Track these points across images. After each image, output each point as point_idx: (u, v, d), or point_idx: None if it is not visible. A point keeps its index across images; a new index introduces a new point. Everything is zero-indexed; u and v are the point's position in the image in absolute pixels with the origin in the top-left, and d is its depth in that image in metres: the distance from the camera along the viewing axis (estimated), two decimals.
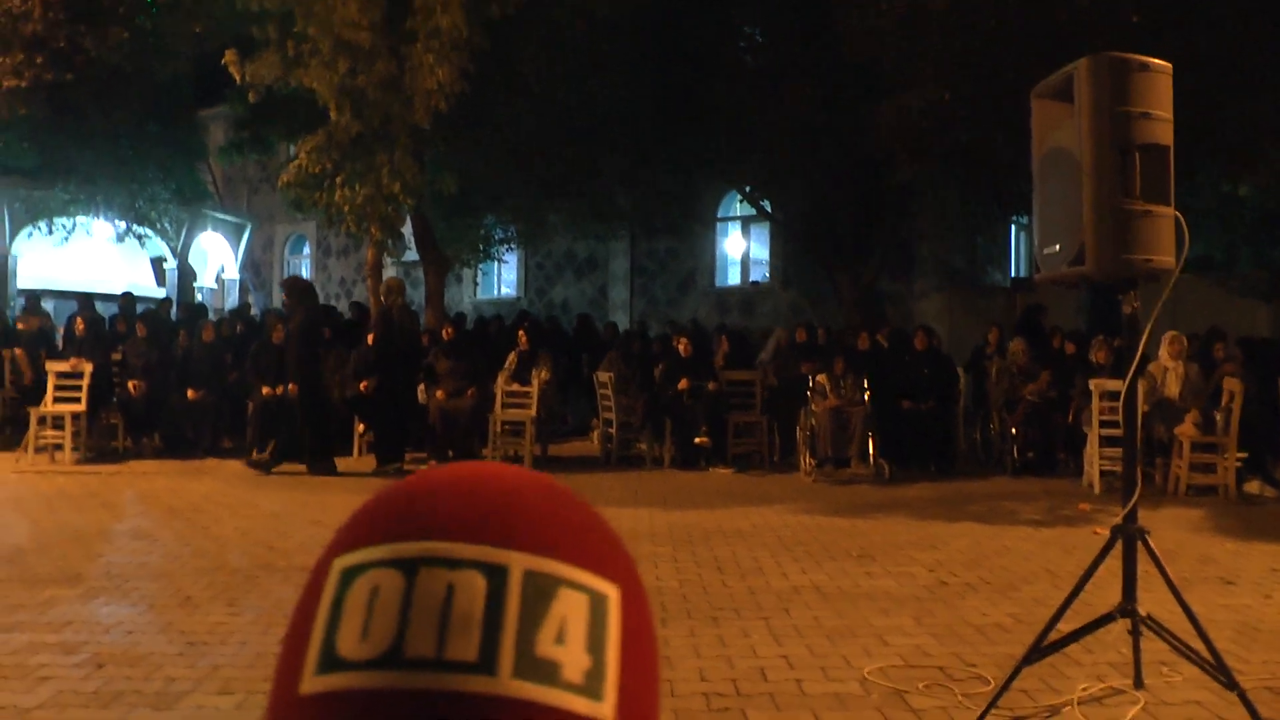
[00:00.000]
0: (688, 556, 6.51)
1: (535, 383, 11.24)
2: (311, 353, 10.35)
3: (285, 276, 24.30)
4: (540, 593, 0.47)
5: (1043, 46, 9.55)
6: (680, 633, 4.79)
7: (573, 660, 0.46)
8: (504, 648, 0.45)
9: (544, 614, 0.46)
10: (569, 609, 0.47)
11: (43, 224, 19.10)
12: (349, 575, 0.48)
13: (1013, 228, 19.50)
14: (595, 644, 0.47)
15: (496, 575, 0.47)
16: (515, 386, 11.40)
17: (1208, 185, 13.57)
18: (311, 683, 0.46)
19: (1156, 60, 3.38)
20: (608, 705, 0.47)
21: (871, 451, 10.33)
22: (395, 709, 0.44)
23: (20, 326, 13.38)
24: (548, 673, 0.45)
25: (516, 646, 0.45)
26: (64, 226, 18.72)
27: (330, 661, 0.46)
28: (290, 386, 10.53)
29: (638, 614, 0.51)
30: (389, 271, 18.34)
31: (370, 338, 11.41)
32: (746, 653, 4.51)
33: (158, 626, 4.79)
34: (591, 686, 0.46)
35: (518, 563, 0.47)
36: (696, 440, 11.05)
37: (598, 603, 0.48)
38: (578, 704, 0.46)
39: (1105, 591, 4.01)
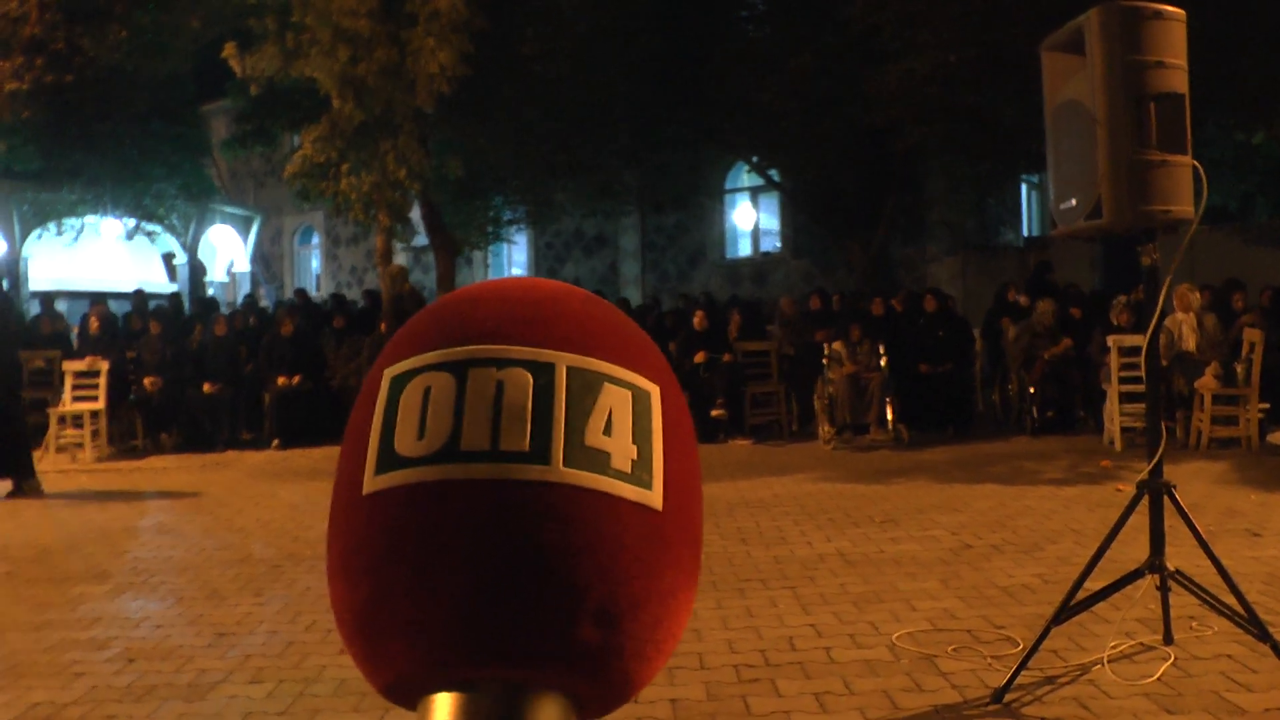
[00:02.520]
0: (711, 529, 6.51)
1: None
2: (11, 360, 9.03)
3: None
4: (586, 387, 0.48)
5: (1046, 5, 9.45)
6: (707, 605, 4.79)
7: (620, 450, 0.48)
8: (555, 438, 0.46)
9: (591, 407, 0.48)
10: (614, 403, 0.49)
11: (52, 225, 19.17)
12: (400, 381, 0.50)
13: (1024, 187, 19.37)
14: (641, 436, 0.49)
15: (543, 372, 0.48)
16: None
17: (1221, 135, 13.44)
18: (373, 482, 0.48)
19: (1169, 7, 3.33)
20: (655, 493, 0.48)
21: (890, 417, 10.31)
22: (455, 498, 0.46)
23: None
24: (598, 461, 0.47)
25: (566, 437, 0.47)
26: (73, 227, 18.79)
27: (390, 460, 0.48)
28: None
29: (678, 411, 0.53)
30: (399, 258, 18.37)
31: (383, 325, 11.42)
32: (774, 622, 4.51)
33: (186, 619, 4.81)
34: (639, 475, 0.48)
35: (562, 361, 0.49)
36: (714, 413, 11.04)
37: (640, 398, 0.49)
38: (627, 490, 0.47)
39: (1131, 548, 3.98)
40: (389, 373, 0.50)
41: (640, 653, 0.47)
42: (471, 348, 0.48)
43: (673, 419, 0.51)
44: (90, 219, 17.94)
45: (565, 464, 0.45)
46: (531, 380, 0.47)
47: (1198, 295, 9.80)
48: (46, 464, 10.41)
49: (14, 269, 19.49)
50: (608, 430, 0.47)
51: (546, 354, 0.48)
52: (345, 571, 0.48)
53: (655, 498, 0.47)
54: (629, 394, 0.49)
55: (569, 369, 0.48)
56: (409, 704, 0.48)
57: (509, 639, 0.44)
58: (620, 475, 0.47)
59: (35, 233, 19.40)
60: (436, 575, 0.45)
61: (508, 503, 0.45)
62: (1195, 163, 3.37)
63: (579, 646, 0.45)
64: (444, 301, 0.52)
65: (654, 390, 0.50)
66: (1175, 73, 3.34)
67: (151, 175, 17.97)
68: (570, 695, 0.47)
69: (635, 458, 0.47)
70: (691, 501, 0.50)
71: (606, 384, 0.48)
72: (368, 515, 0.47)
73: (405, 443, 0.47)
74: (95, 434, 10.91)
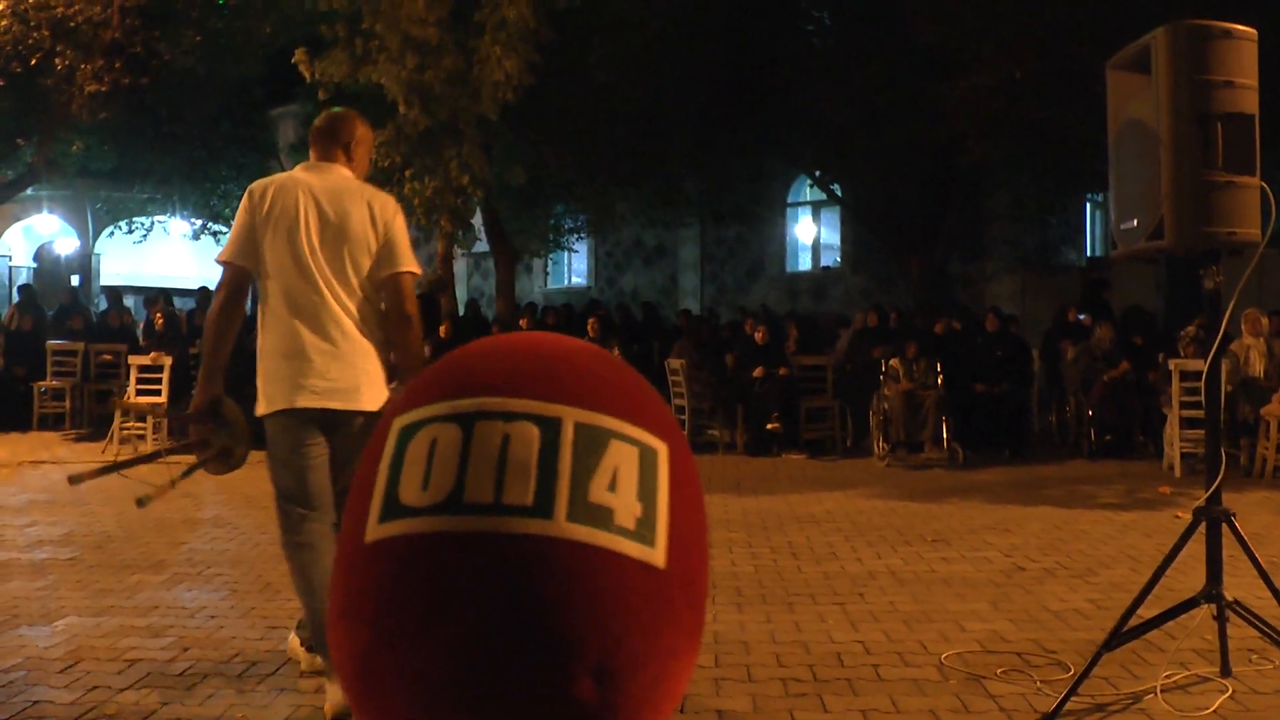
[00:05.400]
0: (762, 542, 6.49)
1: None
2: None
3: None
4: (592, 443, 0.48)
5: (1117, 19, 9.33)
6: (756, 618, 4.78)
7: (625, 507, 0.47)
8: (559, 493, 0.46)
9: (596, 463, 0.48)
10: (620, 460, 0.48)
11: (123, 223, 19.65)
12: (408, 431, 0.50)
13: (1087, 206, 19.09)
14: (646, 493, 0.49)
15: (550, 427, 0.48)
16: None
17: None
18: (377, 530, 0.48)
19: (1240, 26, 3.28)
20: (659, 551, 0.48)
21: (945, 435, 10.21)
22: (456, 550, 0.46)
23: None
24: (601, 517, 0.47)
25: (571, 492, 0.47)
26: (142, 225, 19.23)
27: (393, 509, 0.48)
28: None
29: (685, 470, 0.52)
30: (459, 264, 18.53)
31: (443, 329, 11.55)
32: (823, 638, 4.48)
33: (239, 611, 4.90)
34: (643, 533, 0.48)
35: (570, 416, 0.49)
36: (769, 426, 11.00)
37: (648, 455, 0.49)
38: (630, 547, 0.47)
39: (1188, 576, 3.91)
40: (398, 423, 0.49)
41: (637, 711, 0.46)
42: (480, 400, 0.48)
43: (680, 477, 0.50)
44: (160, 218, 18.34)
45: (568, 519, 0.45)
46: (538, 434, 0.47)
47: (1266, 320, 9.59)
48: (109, 456, 10.64)
49: (86, 265, 20.01)
50: (612, 487, 0.47)
51: (554, 409, 0.47)
52: (347, 617, 0.47)
53: (658, 556, 0.47)
54: (636, 451, 0.48)
55: (576, 424, 0.47)
56: None
57: (507, 692, 0.44)
58: (623, 532, 0.46)
59: (107, 230, 19.91)
60: (437, 626, 0.44)
61: (509, 556, 0.44)
62: (1263, 184, 3.31)
63: (576, 702, 0.44)
64: (455, 355, 0.52)
65: (662, 448, 0.50)
66: (1245, 93, 3.28)
67: (219, 176, 18.34)
68: None
69: (639, 515, 0.47)
70: (696, 561, 0.49)
71: (613, 440, 0.48)
72: (371, 563, 0.47)
73: (410, 492, 0.46)
74: (157, 427, 11.13)
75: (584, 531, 0.41)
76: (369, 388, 3.58)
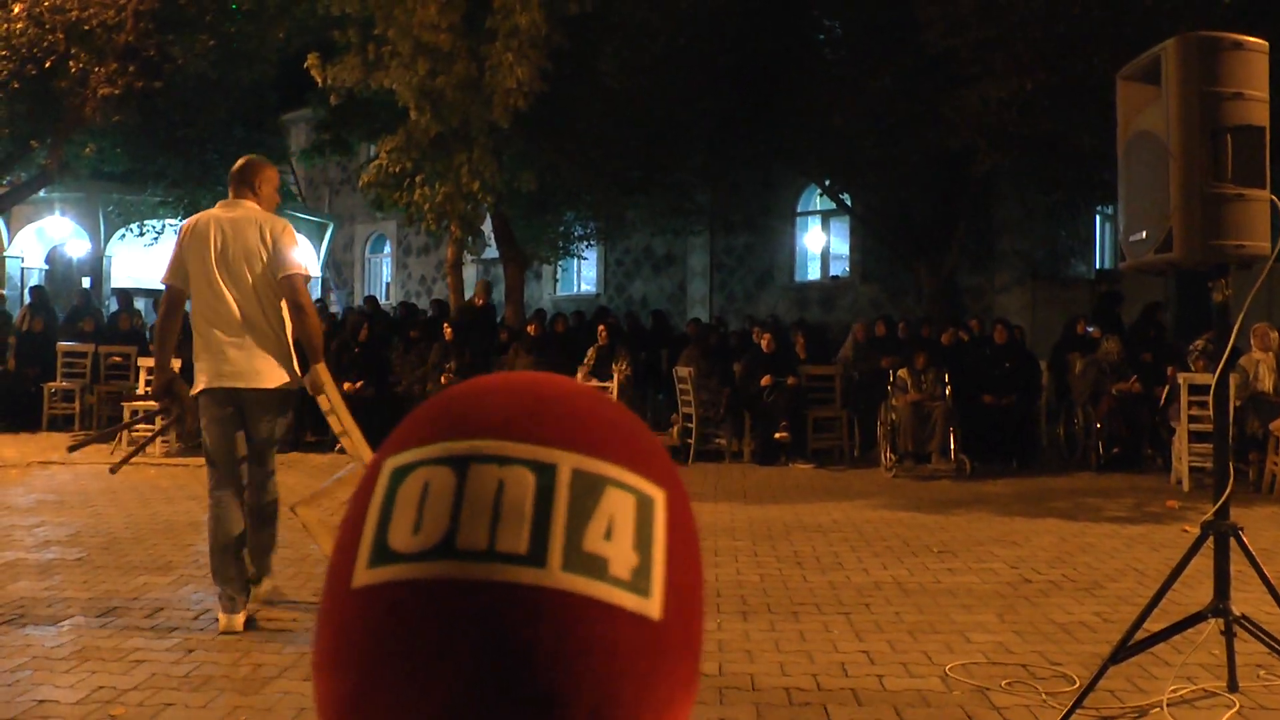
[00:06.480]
0: (768, 551, 6.48)
1: (615, 378, 11.30)
2: None
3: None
4: (588, 490, 0.47)
5: (1127, 32, 9.33)
6: (761, 627, 4.77)
7: (620, 557, 0.46)
8: (553, 541, 0.45)
9: (592, 511, 0.46)
10: (617, 508, 0.47)
11: (134, 226, 19.71)
12: (400, 473, 0.48)
13: (1097, 218, 19.05)
14: (643, 543, 0.47)
15: (545, 473, 0.47)
16: (594, 382, 11.47)
17: None
18: (365, 575, 0.47)
19: (1251, 38, 3.27)
20: (655, 603, 0.47)
21: (952, 446, 10.18)
22: (446, 598, 0.44)
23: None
24: (596, 567, 0.45)
25: (565, 541, 0.45)
26: (154, 228, 19.29)
27: (382, 554, 0.47)
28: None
29: (683, 519, 0.51)
30: (468, 270, 18.58)
31: (449, 331, 11.58)
32: (828, 648, 4.48)
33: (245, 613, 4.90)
34: (639, 584, 0.46)
35: (566, 461, 0.47)
36: (776, 435, 10.99)
37: (645, 504, 0.48)
38: (625, 599, 0.46)
39: (1196, 591, 3.90)
40: (389, 464, 0.48)
41: None
42: (475, 443, 0.47)
43: (677, 526, 0.49)
44: (171, 221, 18.40)
45: (563, 568, 0.44)
46: (534, 480, 0.46)
47: (1276, 335, 9.55)
48: (118, 457, 10.68)
49: (97, 267, 20.08)
50: (608, 535, 0.46)
51: (551, 454, 0.46)
52: (332, 665, 0.46)
53: (654, 607, 0.46)
54: (633, 499, 0.47)
55: (573, 471, 0.46)
56: None
57: None
58: (618, 583, 0.45)
59: (119, 233, 19.98)
60: (424, 676, 0.43)
61: (501, 605, 0.43)
62: (1273, 197, 3.30)
63: None
64: (449, 393, 0.51)
65: (659, 496, 0.49)
66: (1255, 105, 3.28)
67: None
68: None
69: (635, 565, 0.46)
70: (692, 612, 0.49)
71: (609, 487, 0.47)
72: (358, 609, 0.46)
73: (400, 537, 0.45)
74: (165, 429, 11.15)
75: (578, 581, 0.40)
76: (268, 370, 4.72)
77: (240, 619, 4.63)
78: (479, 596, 0.44)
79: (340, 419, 5.13)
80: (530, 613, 0.44)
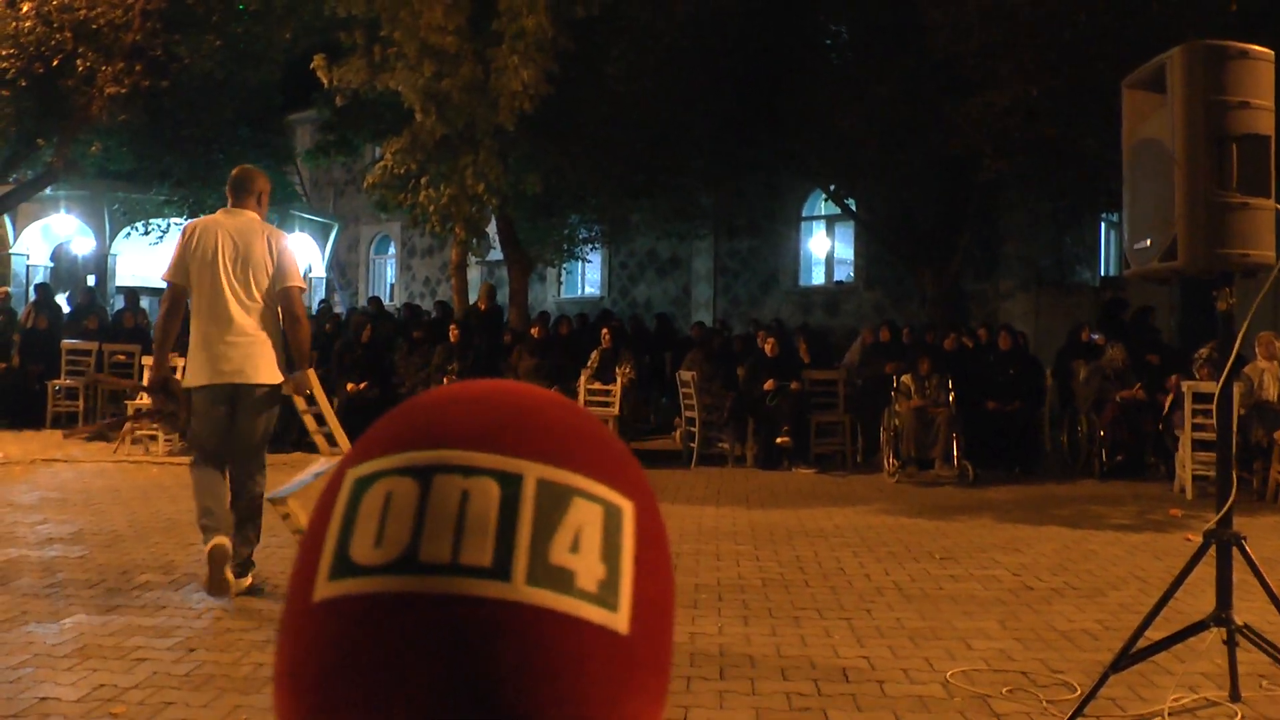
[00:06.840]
0: (770, 555, 6.48)
1: (619, 381, 11.30)
2: None
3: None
4: (554, 501, 0.46)
5: (1133, 39, 9.32)
6: (762, 631, 4.77)
7: (587, 569, 0.45)
8: (518, 554, 0.44)
9: (558, 523, 0.45)
10: (583, 519, 0.46)
11: (139, 225, 19.74)
12: (362, 484, 0.47)
13: (1102, 225, 19.03)
14: (610, 555, 0.46)
15: (510, 483, 0.46)
16: (598, 385, 11.47)
17: None
18: (326, 588, 0.46)
19: (1257, 47, 3.27)
20: (622, 616, 0.46)
21: (955, 453, 10.17)
22: (409, 612, 0.43)
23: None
24: (562, 580, 0.44)
25: (530, 553, 0.44)
26: (159, 227, 19.32)
27: (344, 567, 0.46)
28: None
29: (652, 530, 0.50)
30: (473, 272, 18.60)
31: (454, 333, 11.59)
32: (828, 653, 4.47)
33: (246, 613, 4.91)
34: (606, 597, 0.45)
35: (532, 472, 0.46)
36: (779, 440, 10.98)
37: (612, 515, 0.47)
38: (592, 612, 0.45)
39: (1198, 599, 3.89)
40: (352, 474, 0.47)
41: None
42: (439, 453, 0.46)
43: (646, 538, 0.48)
44: (176, 220, 18.43)
45: (527, 582, 0.43)
46: (498, 491, 0.45)
47: (1279, 343, 9.53)
48: (121, 455, 10.69)
49: (102, 265, 20.12)
50: (574, 548, 0.45)
51: (516, 464, 0.45)
52: (292, 680, 0.45)
53: (621, 621, 0.45)
54: (600, 510, 0.46)
55: (539, 481, 0.45)
56: None
57: None
58: (585, 596, 0.44)
59: (124, 231, 20.01)
60: (386, 693, 0.43)
61: (465, 620, 0.42)
62: (1278, 206, 3.30)
63: None
64: (413, 403, 0.50)
65: (627, 507, 0.48)
66: (1260, 114, 3.27)
67: None
68: None
69: (602, 578, 0.45)
70: (661, 626, 0.48)
71: (576, 498, 0.46)
72: (318, 623, 0.45)
73: (362, 550, 0.44)
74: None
75: (543, 595, 0.39)
76: (265, 368, 5.04)
77: (226, 541, 4.92)
78: (442, 611, 0.43)
79: (329, 423, 5.57)
80: (494, 628, 0.43)
